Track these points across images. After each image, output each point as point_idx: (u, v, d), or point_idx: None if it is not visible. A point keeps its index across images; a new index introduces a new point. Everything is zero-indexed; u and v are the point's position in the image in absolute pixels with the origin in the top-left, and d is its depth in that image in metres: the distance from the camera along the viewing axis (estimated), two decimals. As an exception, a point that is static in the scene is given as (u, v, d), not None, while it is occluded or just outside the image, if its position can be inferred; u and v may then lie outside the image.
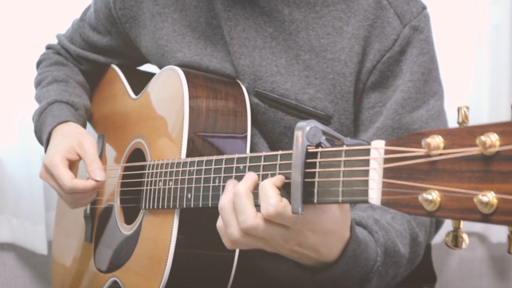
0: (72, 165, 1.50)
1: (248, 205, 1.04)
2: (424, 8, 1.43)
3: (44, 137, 1.60)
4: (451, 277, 2.57)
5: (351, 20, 1.40)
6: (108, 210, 1.58)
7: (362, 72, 1.40)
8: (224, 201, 1.08)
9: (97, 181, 1.44)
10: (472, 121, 2.56)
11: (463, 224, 0.87)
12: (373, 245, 1.19)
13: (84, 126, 1.65)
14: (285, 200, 1.03)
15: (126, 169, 1.56)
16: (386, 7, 1.40)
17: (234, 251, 1.35)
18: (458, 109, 0.88)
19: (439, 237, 2.44)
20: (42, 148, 2.01)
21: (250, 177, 1.08)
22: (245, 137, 1.40)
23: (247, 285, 1.40)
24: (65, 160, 1.48)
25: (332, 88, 1.40)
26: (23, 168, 2.06)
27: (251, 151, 1.41)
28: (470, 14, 2.42)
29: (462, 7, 2.41)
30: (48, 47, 1.86)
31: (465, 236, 0.87)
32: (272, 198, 1.01)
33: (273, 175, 1.10)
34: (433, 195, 0.85)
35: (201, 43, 1.50)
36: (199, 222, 1.34)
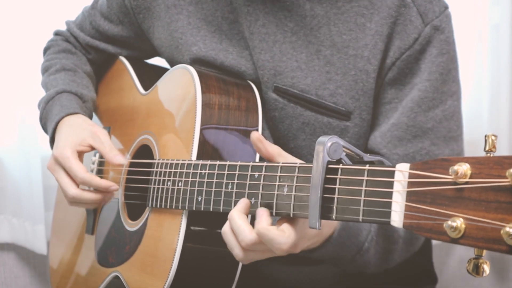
0: (80, 156, 1.50)
1: (241, 225, 1.12)
2: (446, 7, 1.43)
3: (50, 126, 1.58)
4: (451, 277, 2.59)
5: (374, 16, 1.40)
6: (112, 204, 1.57)
7: (383, 68, 1.41)
8: (225, 228, 1.17)
9: (119, 165, 1.46)
10: (472, 122, 2.54)
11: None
12: None
13: (91, 119, 1.63)
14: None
15: (132, 165, 1.55)
16: (409, 5, 1.39)
17: None
18: (486, 138, 0.88)
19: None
20: (42, 148, 2.01)
21: (241, 201, 1.16)
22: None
23: (251, 287, 1.41)
24: (75, 152, 1.48)
25: (353, 84, 1.41)
26: (23, 168, 2.04)
27: None
28: (470, 14, 2.42)
29: (462, 7, 2.41)
30: (57, 33, 1.83)
31: (485, 266, 0.88)
32: (244, 232, 1.11)
33: (290, 187, 1.10)
34: (457, 222, 0.86)
35: (216, 37, 1.49)
36: (206, 224, 1.34)
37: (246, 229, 1.11)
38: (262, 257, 1.16)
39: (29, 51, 1.98)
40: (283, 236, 1.08)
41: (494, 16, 2.45)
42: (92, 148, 1.50)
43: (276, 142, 1.47)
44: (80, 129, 1.52)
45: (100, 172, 1.63)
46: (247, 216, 1.16)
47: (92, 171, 1.66)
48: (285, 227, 1.09)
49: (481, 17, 2.43)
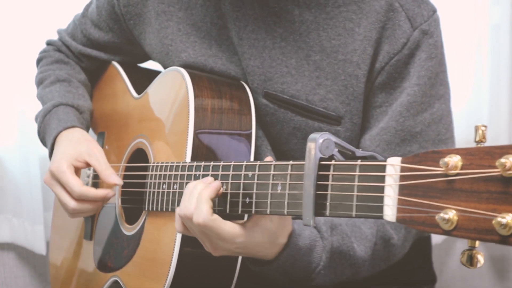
0: (76, 172, 1.50)
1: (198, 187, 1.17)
2: (434, 11, 1.43)
3: (48, 141, 1.58)
4: (451, 277, 2.58)
5: (362, 21, 1.39)
6: (109, 209, 1.57)
7: (372, 73, 1.41)
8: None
9: (114, 184, 1.46)
10: (472, 122, 2.54)
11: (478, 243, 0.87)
12: (320, 250, 1.28)
13: (88, 129, 1.64)
14: (215, 216, 1.14)
15: (127, 169, 1.54)
16: (397, 10, 1.39)
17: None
18: (476, 128, 0.88)
19: (439, 238, 2.44)
20: (41, 148, 2.00)
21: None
22: (249, 138, 1.39)
23: (250, 287, 1.40)
24: (72, 167, 1.48)
25: (343, 89, 1.40)
26: (23, 168, 2.04)
27: (254, 153, 1.40)
28: (470, 14, 2.42)
29: (462, 7, 2.41)
30: (49, 43, 1.83)
31: (480, 257, 0.87)
32: (203, 210, 1.13)
33: (283, 185, 1.09)
34: (449, 214, 0.85)
35: (205, 43, 1.49)
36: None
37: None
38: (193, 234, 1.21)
39: (29, 51, 1.97)
40: (213, 223, 1.14)
41: (494, 16, 2.45)
42: (88, 165, 1.50)
43: (270, 143, 1.47)
44: (77, 144, 1.52)
45: (95, 185, 1.62)
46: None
47: (87, 184, 1.65)
48: (228, 223, 1.15)
49: (481, 17, 2.42)
